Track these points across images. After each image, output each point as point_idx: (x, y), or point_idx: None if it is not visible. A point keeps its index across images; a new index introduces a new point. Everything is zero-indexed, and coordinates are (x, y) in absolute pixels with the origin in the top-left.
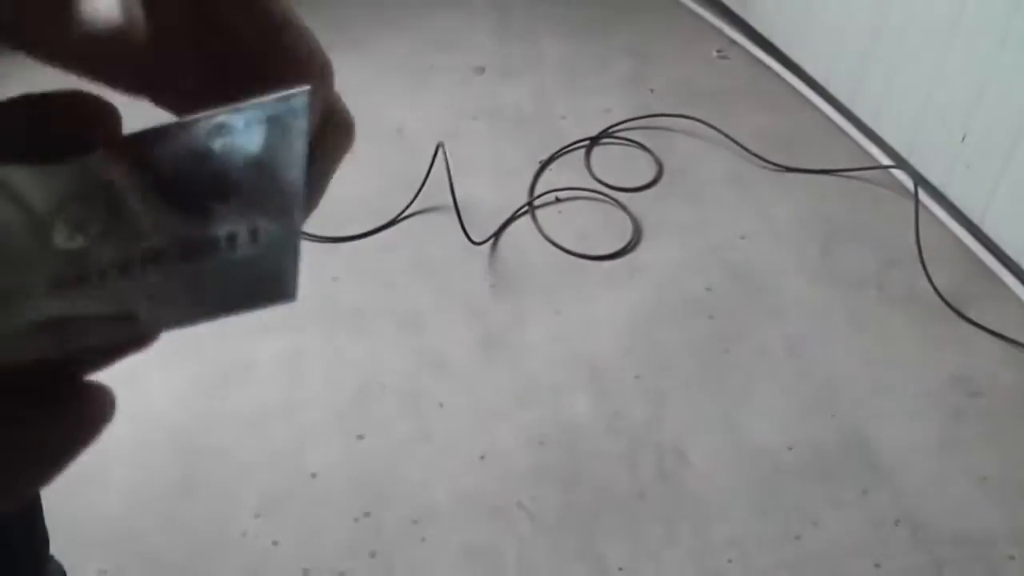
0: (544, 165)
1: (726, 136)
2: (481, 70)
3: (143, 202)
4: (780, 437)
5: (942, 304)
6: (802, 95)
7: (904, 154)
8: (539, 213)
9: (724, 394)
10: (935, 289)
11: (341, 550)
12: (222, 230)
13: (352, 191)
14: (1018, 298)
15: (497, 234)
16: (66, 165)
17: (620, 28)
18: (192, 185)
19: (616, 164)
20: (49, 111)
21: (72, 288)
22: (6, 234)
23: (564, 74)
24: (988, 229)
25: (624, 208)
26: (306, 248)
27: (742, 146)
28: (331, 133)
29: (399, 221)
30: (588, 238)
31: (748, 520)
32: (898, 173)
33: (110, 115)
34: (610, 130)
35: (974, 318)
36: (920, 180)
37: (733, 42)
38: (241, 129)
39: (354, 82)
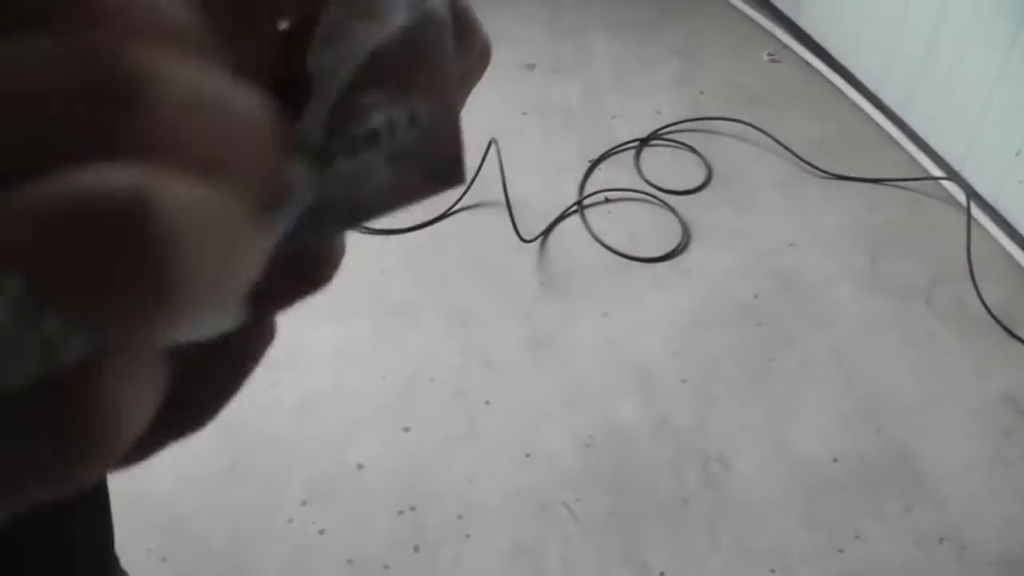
0: (594, 164)
1: (776, 141)
2: (531, 66)
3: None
4: (825, 448)
5: (991, 320)
6: (853, 102)
7: (956, 166)
8: (588, 212)
9: (770, 402)
10: (984, 305)
11: (385, 543)
12: (379, 119)
13: None
14: None
15: (546, 232)
16: None
17: (671, 28)
18: (341, 76)
19: (665, 166)
20: None
21: None
22: None
23: (614, 73)
24: None
25: (673, 211)
26: (354, 240)
27: (792, 152)
28: (466, 52)
29: (448, 216)
30: (637, 239)
31: (792, 531)
32: (949, 185)
33: None
34: (660, 131)
35: None
36: (972, 193)
37: (785, 46)
38: (383, 10)
39: None
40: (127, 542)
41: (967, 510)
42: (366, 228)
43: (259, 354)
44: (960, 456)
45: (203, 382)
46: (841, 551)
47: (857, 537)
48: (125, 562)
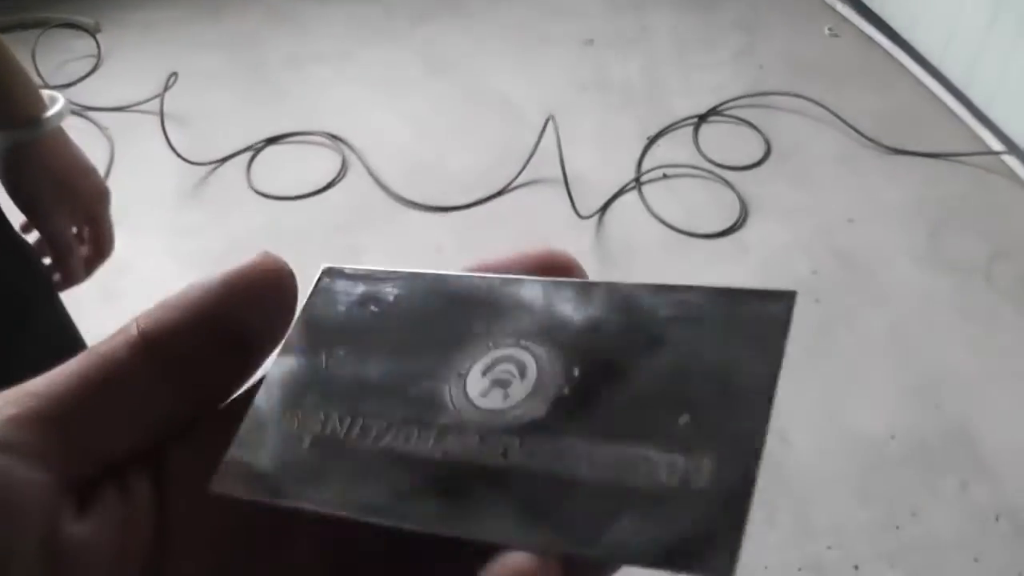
0: (652, 140)
1: (836, 116)
2: (590, 42)
3: (578, 380)
4: (882, 425)
5: None
6: (914, 76)
7: (1018, 141)
8: (646, 189)
9: (828, 379)
10: None
11: None
12: (659, 453)
13: (457, 160)
14: None
15: (604, 208)
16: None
17: (730, 3)
18: (639, 377)
19: (724, 142)
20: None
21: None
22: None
23: (673, 48)
24: None
25: (731, 186)
26: (412, 217)
27: (852, 126)
28: None
29: (506, 192)
30: (695, 215)
31: (848, 507)
32: (1010, 160)
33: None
34: (719, 107)
35: None
36: None
37: (845, 19)
38: (703, 318)
39: (460, 49)
40: None
41: None
42: (421, 205)
43: None
44: (1018, 433)
45: None
46: (898, 527)
47: (914, 514)
48: None
